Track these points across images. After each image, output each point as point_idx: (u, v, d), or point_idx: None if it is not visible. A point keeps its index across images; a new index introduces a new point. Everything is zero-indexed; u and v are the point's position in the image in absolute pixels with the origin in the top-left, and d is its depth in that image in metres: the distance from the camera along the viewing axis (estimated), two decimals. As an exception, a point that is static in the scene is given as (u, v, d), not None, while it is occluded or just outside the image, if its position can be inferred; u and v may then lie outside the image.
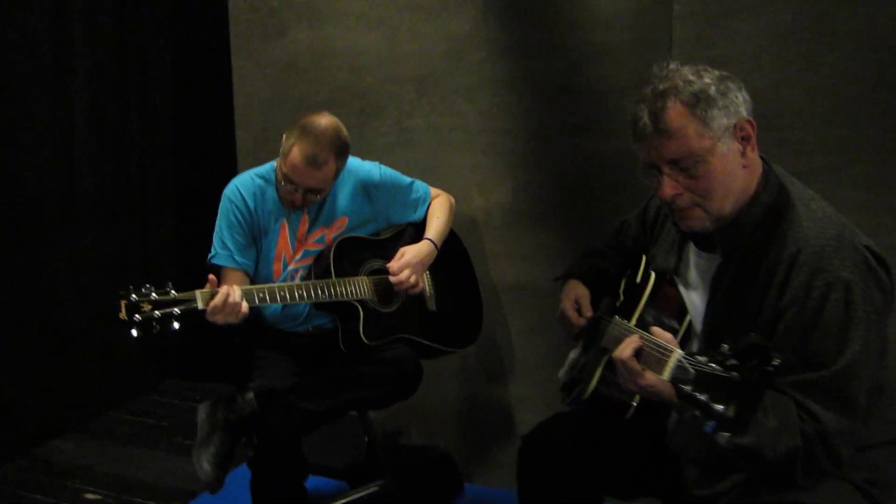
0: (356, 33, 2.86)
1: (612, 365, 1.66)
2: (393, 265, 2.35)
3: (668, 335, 1.51)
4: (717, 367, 1.26)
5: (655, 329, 1.53)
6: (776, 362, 1.20)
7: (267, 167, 2.40)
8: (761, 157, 1.62)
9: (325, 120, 2.22)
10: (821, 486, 1.50)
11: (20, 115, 3.26)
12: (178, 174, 4.10)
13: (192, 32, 3.93)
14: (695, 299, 1.72)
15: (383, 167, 2.51)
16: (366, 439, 2.69)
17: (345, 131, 2.26)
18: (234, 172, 2.49)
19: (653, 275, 1.83)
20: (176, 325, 1.94)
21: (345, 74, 2.91)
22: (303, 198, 2.25)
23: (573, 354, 2.04)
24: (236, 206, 2.32)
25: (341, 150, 2.23)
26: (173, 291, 1.95)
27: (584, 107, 2.52)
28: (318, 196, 2.29)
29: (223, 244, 2.31)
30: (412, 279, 2.35)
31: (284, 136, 2.22)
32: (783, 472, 1.45)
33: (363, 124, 2.89)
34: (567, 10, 2.50)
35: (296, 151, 2.17)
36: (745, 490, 1.54)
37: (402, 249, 2.40)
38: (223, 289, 2.01)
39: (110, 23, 3.64)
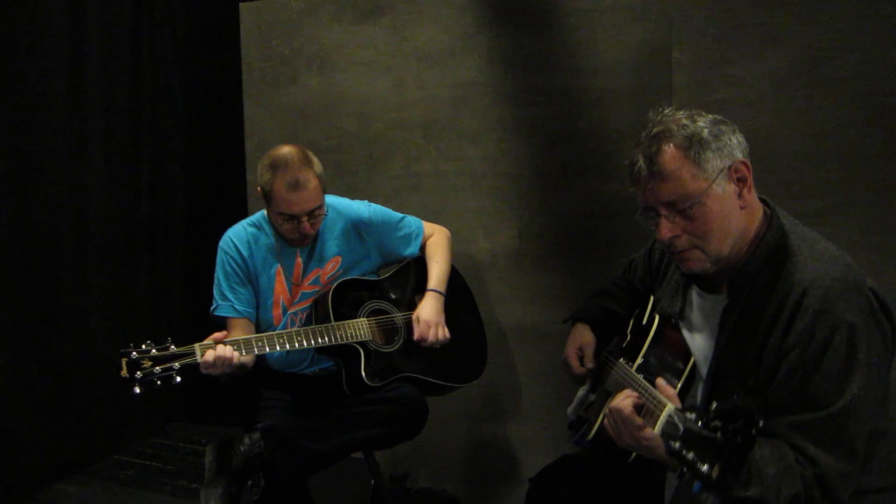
0: (364, 81, 2.94)
1: None
2: (423, 335, 2.38)
3: (671, 390, 1.51)
4: (704, 427, 1.25)
5: (659, 382, 1.52)
6: (761, 424, 1.19)
7: (258, 215, 2.45)
8: (763, 200, 1.64)
9: (285, 148, 2.29)
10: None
11: (34, 154, 3.32)
12: (189, 217, 4.15)
13: (206, 78, 4.02)
14: (700, 342, 1.72)
15: (373, 205, 2.55)
16: (372, 482, 2.67)
17: (308, 150, 2.32)
18: (244, 215, 2.54)
19: (657, 317, 1.84)
20: (178, 379, 1.98)
21: (353, 121, 2.98)
22: (310, 224, 2.28)
23: (581, 392, 2.04)
24: (231, 257, 2.37)
25: (316, 166, 2.29)
26: (173, 346, 2.00)
27: (587, 151, 2.58)
28: (321, 216, 2.32)
29: (223, 295, 2.36)
30: (440, 334, 2.40)
31: (259, 185, 2.29)
32: None
33: (371, 169, 2.95)
34: (569, 57, 2.58)
35: (278, 187, 2.22)
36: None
37: (415, 315, 2.42)
38: (218, 349, 2.06)
39: (125, 68, 3.73)
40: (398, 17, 2.87)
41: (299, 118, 3.08)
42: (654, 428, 1.43)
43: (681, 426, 1.30)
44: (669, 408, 1.40)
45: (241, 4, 3.18)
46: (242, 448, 2.14)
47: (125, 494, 3.35)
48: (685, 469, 1.25)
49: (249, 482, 2.17)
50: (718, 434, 1.22)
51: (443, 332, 2.41)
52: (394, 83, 2.89)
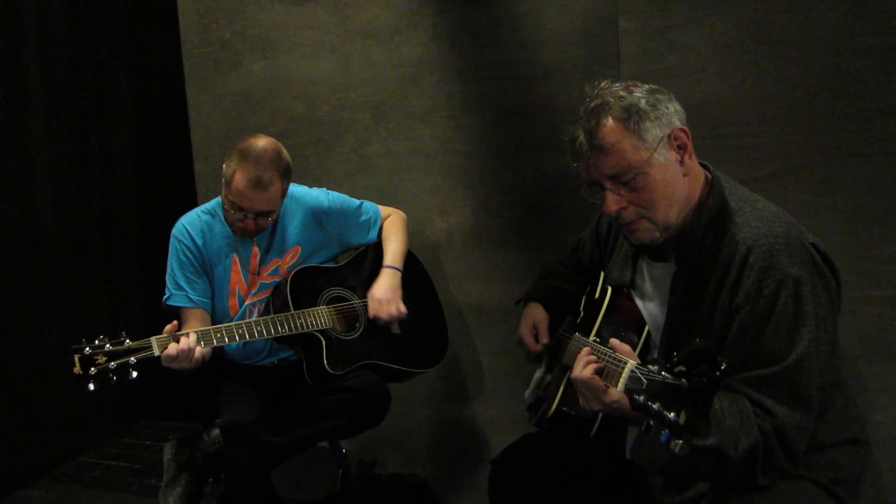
0: (309, 63, 2.87)
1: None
2: (376, 312, 2.34)
3: (626, 347, 1.53)
4: (668, 376, 1.26)
5: (613, 341, 1.54)
6: (724, 366, 1.20)
7: (213, 203, 2.40)
8: (703, 164, 1.66)
9: (262, 141, 2.22)
10: (785, 487, 1.52)
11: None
12: (140, 209, 4.06)
13: (148, 67, 3.92)
14: (652, 309, 1.74)
15: (331, 192, 2.51)
16: (340, 471, 2.65)
17: (284, 150, 2.26)
18: (194, 205, 2.47)
19: (609, 289, 1.85)
20: (134, 374, 1.92)
21: (300, 104, 2.91)
22: (254, 223, 2.23)
23: (538, 374, 2.04)
24: (185, 245, 2.31)
25: (284, 169, 2.22)
26: (128, 340, 1.93)
27: (538, 124, 2.55)
28: (269, 219, 2.27)
29: (177, 284, 2.31)
30: (394, 310, 2.36)
31: (224, 164, 2.21)
32: (745, 472, 1.45)
33: (321, 153, 2.89)
34: (515, 30, 2.53)
35: (239, 177, 2.15)
36: (713, 498, 1.55)
37: (370, 293, 2.39)
38: (182, 341, 2.00)
39: (65, 59, 3.61)
40: (341, -5, 2.80)
41: (244, 104, 3.00)
42: (616, 386, 1.45)
43: (644, 380, 1.32)
44: (630, 364, 1.42)
45: (178, -11, 3.08)
46: (201, 445, 2.10)
47: (91, 496, 3.29)
48: (651, 421, 1.26)
49: (210, 480, 2.14)
50: (683, 380, 1.23)
51: (397, 308, 2.37)
52: (339, 64, 2.82)
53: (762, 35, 2.19)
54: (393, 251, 2.49)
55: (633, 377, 1.39)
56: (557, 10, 2.47)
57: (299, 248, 2.41)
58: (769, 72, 2.19)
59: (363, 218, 2.53)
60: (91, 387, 1.88)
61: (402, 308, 2.38)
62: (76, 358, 1.87)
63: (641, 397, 1.28)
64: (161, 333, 2.01)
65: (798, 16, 2.14)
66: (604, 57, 2.40)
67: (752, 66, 2.21)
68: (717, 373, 1.20)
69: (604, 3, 2.39)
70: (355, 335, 2.36)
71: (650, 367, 1.33)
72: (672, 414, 1.22)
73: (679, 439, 1.21)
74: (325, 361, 2.23)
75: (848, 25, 2.08)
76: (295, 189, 2.43)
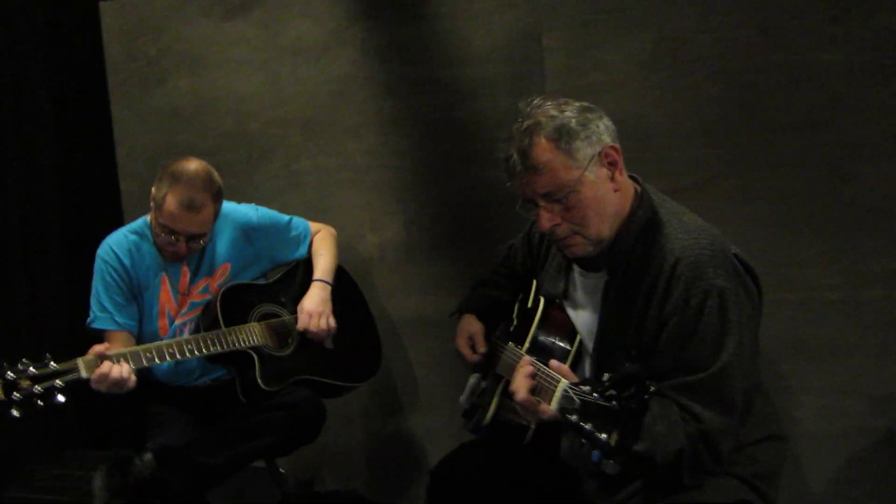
0: (238, 78, 2.85)
1: (508, 391, 1.69)
2: (305, 325, 2.33)
3: (565, 368, 1.55)
4: (599, 397, 1.29)
5: (553, 363, 1.57)
6: (652, 389, 1.25)
7: (140, 222, 2.35)
8: (633, 177, 1.71)
9: (194, 164, 2.20)
10: (711, 483, 1.58)
11: None
12: (64, 230, 3.93)
13: (71, 83, 3.81)
14: (585, 318, 1.78)
15: (260, 208, 2.49)
16: (279, 491, 2.62)
17: (216, 173, 2.24)
18: (120, 225, 2.42)
19: (542, 300, 1.89)
20: (60, 397, 1.85)
21: (229, 120, 2.89)
22: (186, 246, 2.20)
23: (472, 380, 2.07)
24: (111, 266, 2.26)
25: (216, 192, 2.21)
26: (52, 363, 1.86)
27: (467, 139, 2.60)
28: (201, 242, 2.25)
29: (101, 307, 2.25)
30: (324, 323, 2.34)
31: (154, 187, 2.19)
32: (671, 474, 1.51)
33: (251, 169, 2.87)
34: (443, 47, 2.58)
35: (171, 199, 2.13)
36: (644, 496, 1.60)
37: (300, 306, 2.38)
38: (114, 369, 1.94)
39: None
40: (269, 12, 2.79)
41: (172, 121, 2.95)
42: (550, 404, 1.48)
43: (576, 399, 1.35)
44: (563, 383, 1.46)
45: (100, 4, 3.02)
46: (133, 470, 2.06)
47: (17, 532, 3.17)
48: (584, 440, 1.29)
49: (144, 505, 2.10)
50: (613, 402, 1.27)
51: (327, 322, 2.36)
52: (268, 80, 2.82)
53: (678, 53, 2.29)
54: (323, 265, 2.48)
55: (565, 396, 1.42)
56: (483, 28, 2.53)
57: (229, 265, 2.38)
58: (684, 88, 2.30)
59: (293, 234, 2.52)
60: (15, 413, 1.79)
61: (332, 322, 2.38)
62: None
63: (574, 417, 1.31)
64: (87, 354, 1.95)
65: (711, 35, 2.25)
66: (529, 73, 2.47)
67: (669, 82, 2.31)
68: (646, 396, 1.25)
69: (528, 21, 2.46)
70: (288, 351, 2.35)
71: (583, 387, 1.36)
72: (603, 435, 1.25)
73: (610, 459, 1.25)
74: (259, 378, 2.20)
75: (757, 43, 2.21)
76: (223, 206, 2.41)
